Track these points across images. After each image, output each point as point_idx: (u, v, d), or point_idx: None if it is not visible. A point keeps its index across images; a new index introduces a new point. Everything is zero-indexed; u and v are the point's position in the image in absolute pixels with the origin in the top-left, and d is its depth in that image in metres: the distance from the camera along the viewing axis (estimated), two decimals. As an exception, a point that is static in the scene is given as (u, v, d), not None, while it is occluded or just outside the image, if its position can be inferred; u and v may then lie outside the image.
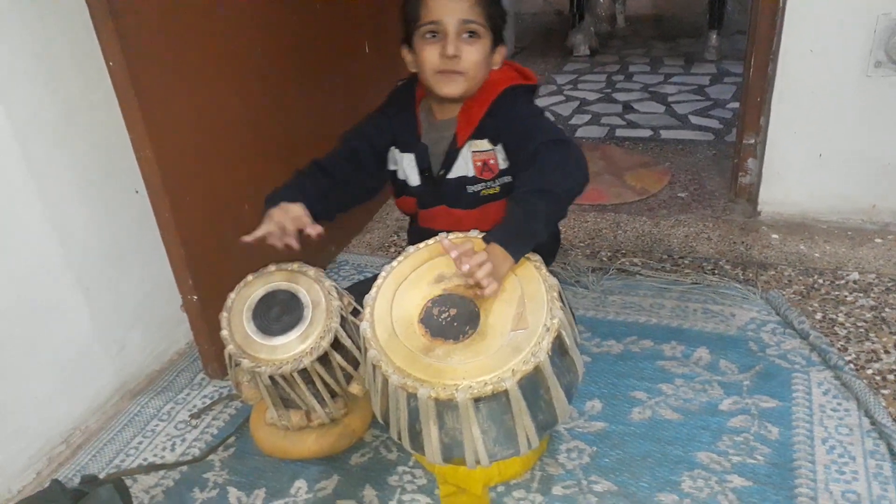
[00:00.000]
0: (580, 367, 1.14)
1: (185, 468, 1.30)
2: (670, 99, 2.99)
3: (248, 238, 1.15)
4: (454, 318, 1.06)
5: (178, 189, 1.32)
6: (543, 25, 4.33)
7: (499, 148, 1.28)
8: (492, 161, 1.29)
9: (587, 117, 2.89)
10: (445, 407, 1.00)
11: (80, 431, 1.39)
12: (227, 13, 1.42)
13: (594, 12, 3.67)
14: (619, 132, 2.71)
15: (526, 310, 1.05)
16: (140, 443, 1.37)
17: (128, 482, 1.25)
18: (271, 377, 1.15)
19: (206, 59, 1.37)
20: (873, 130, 1.79)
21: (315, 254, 1.87)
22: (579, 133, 2.74)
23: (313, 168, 1.30)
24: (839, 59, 1.74)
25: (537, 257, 1.12)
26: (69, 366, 1.36)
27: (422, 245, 1.18)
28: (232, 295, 1.21)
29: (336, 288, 1.22)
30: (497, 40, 1.27)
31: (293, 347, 1.14)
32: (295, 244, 1.15)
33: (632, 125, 2.77)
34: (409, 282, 1.12)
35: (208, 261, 1.41)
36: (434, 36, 1.21)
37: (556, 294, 1.06)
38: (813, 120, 1.83)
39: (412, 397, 1.01)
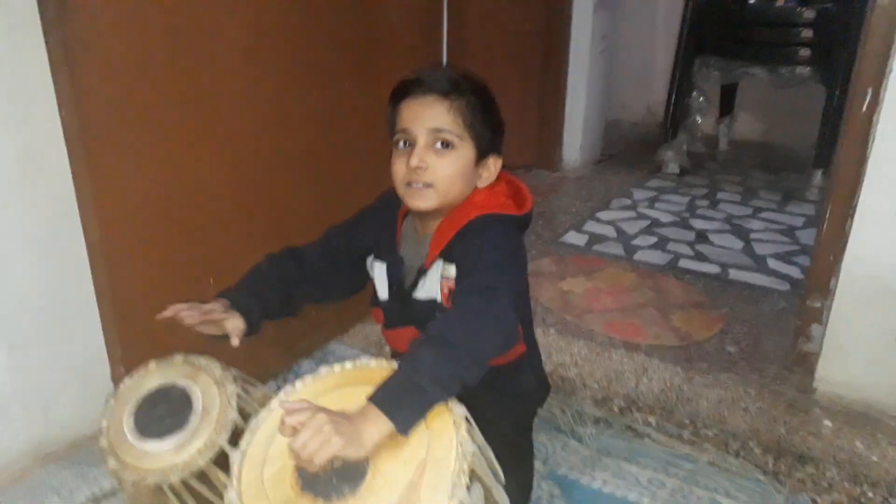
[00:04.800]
0: (498, 562, 0.91)
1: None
2: (753, 236, 2.70)
3: (162, 314, 1.06)
4: (336, 472, 0.86)
5: (120, 256, 1.22)
6: (639, 136, 4.14)
7: None
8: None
9: (653, 240, 2.65)
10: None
11: (-26, 490, 1.28)
12: (221, 71, 1.34)
13: (690, 130, 3.44)
14: (683, 263, 2.45)
15: (423, 479, 0.85)
16: (23, 520, 1.24)
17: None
18: (135, 485, 0.99)
19: (181, 119, 1.27)
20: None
21: (299, 339, 1.73)
22: (638, 256, 2.49)
23: (283, 257, 1.21)
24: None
25: (462, 411, 0.91)
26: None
27: (337, 368, 1.00)
28: (126, 381, 1.07)
29: (241, 396, 1.05)
30: (485, 151, 1.12)
31: (164, 458, 0.97)
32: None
33: (699, 257, 2.50)
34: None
35: (144, 333, 1.29)
36: (406, 145, 1.09)
37: (467, 466, 0.85)
38: (890, 293, 1.52)
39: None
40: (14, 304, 1.27)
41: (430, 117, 1.06)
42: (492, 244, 1.07)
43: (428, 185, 1.08)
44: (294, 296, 1.20)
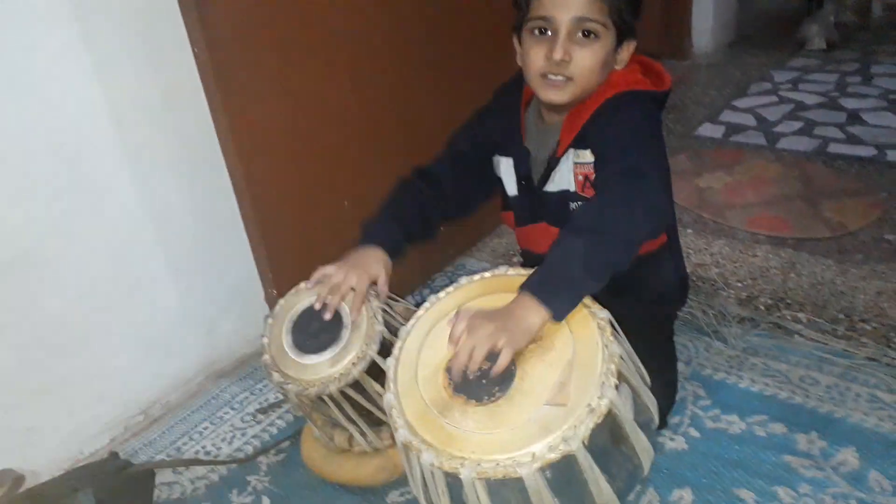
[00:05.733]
0: (646, 455, 0.92)
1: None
2: (916, 111, 2.43)
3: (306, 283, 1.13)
4: (484, 374, 0.90)
5: (261, 185, 1.28)
6: (778, 13, 3.76)
7: None
8: (594, 176, 1.09)
9: (798, 125, 2.44)
10: (452, 478, 0.86)
11: (160, 404, 1.44)
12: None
13: (838, -1, 3.08)
14: (833, 147, 2.24)
15: (571, 380, 0.86)
16: (205, 429, 1.38)
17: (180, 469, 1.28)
18: (298, 396, 1.08)
19: (306, 46, 1.29)
20: None
21: (431, 254, 1.77)
22: (781, 144, 2.31)
23: (414, 180, 1.21)
24: None
25: (605, 314, 0.91)
26: (156, 340, 1.40)
27: (476, 277, 1.02)
28: (281, 301, 1.15)
29: (385, 310, 1.10)
30: (623, 37, 1.05)
31: (321, 370, 1.05)
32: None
33: (852, 140, 2.28)
34: (451, 319, 0.97)
35: (291, 256, 1.37)
36: (543, 33, 1.03)
37: (614, 367, 0.86)
38: None
39: (418, 457, 0.87)
40: (173, 237, 1.37)
41: (574, 5, 0.99)
42: (631, 124, 1.03)
43: (569, 79, 1.03)
44: (431, 216, 1.20)
